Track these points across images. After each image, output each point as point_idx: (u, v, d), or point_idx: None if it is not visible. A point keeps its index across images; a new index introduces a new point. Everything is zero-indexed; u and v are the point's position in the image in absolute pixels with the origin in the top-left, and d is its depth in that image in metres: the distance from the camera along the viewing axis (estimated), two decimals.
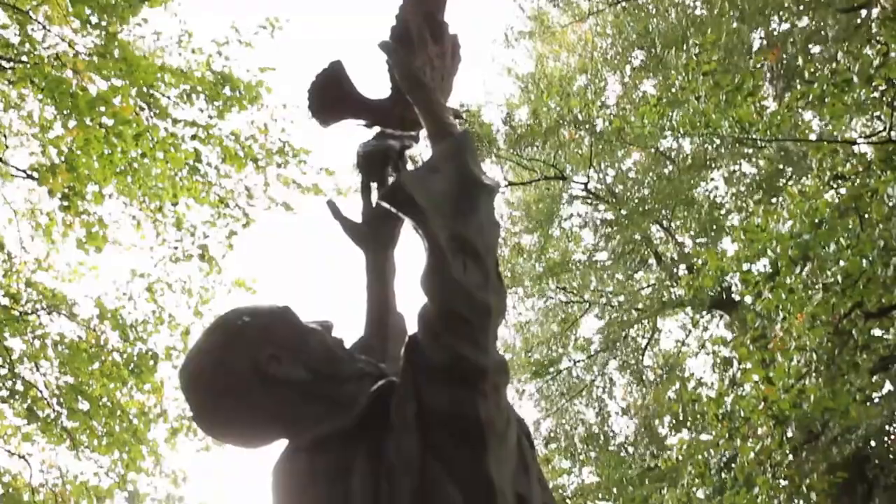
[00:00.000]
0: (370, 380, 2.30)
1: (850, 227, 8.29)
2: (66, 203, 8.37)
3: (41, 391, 9.28)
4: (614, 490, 12.17)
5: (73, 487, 9.21)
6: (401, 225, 2.69)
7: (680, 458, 9.96)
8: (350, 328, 2.61)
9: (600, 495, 13.00)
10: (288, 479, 2.24)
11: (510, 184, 14.94)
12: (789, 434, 8.22)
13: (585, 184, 15.09)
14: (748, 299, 9.55)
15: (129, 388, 9.27)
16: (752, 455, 8.12)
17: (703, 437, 11.55)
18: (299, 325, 2.38)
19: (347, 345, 2.49)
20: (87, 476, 9.37)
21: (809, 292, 8.16)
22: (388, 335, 2.67)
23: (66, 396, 9.21)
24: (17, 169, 9.28)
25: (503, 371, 2.14)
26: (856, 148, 9.20)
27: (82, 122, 8.34)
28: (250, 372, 2.23)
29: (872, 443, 9.58)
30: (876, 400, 9.08)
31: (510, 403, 2.24)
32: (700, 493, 9.18)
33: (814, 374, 8.21)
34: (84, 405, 9.03)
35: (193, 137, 9.54)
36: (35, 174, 8.68)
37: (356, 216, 2.80)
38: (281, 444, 2.33)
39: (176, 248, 10.19)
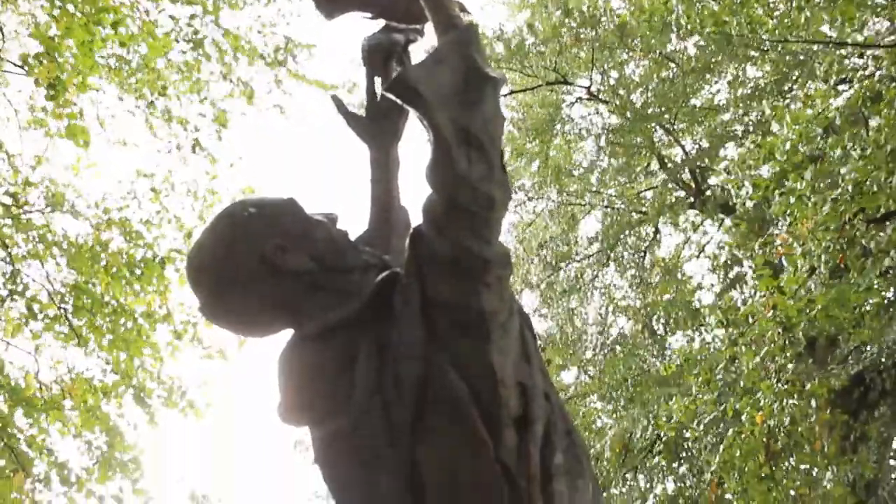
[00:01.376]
0: (375, 271, 2.33)
1: (857, 132, 8.25)
2: (52, 92, 8.32)
3: (45, 289, 9.35)
4: (613, 392, 12.34)
5: (78, 383, 9.35)
6: (405, 119, 2.69)
7: (681, 362, 10.09)
8: (355, 223, 2.63)
9: (598, 396, 13.18)
10: (294, 368, 2.29)
11: (511, 92, 14.82)
12: (795, 339, 8.27)
13: (588, 87, 14.96)
14: (750, 204, 9.52)
15: (134, 289, 9.34)
16: (756, 359, 8.19)
17: (705, 338, 11.70)
18: (305, 217, 2.40)
19: (352, 238, 2.52)
20: (94, 373, 9.53)
21: (816, 198, 8.14)
22: (393, 229, 2.68)
23: (69, 295, 9.30)
24: (12, 63, 9.22)
25: (506, 263, 2.16)
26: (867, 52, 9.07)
27: (65, 9, 8.29)
28: (256, 262, 2.26)
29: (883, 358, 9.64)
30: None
31: (513, 294, 2.27)
32: (706, 398, 9.30)
33: (820, 280, 8.25)
34: (88, 303, 9.12)
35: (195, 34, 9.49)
36: (25, 66, 8.62)
37: (361, 111, 2.79)
38: (286, 335, 2.37)
39: (170, 142, 10.19)
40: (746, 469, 8.27)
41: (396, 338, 2.16)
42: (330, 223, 2.43)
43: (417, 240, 2.15)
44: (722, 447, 8.44)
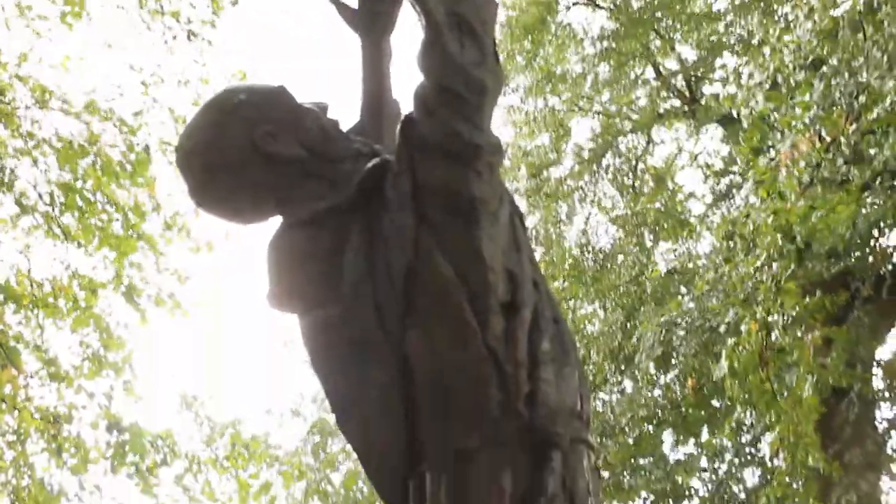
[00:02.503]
0: (365, 159, 2.33)
1: (854, 42, 8.17)
2: None
3: (34, 187, 9.31)
4: (599, 299, 12.42)
5: (70, 282, 9.38)
6: (398, 8, 2.65)
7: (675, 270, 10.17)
8: (347, 114, 2.62)
9: (585, 302, 13.26)
10: (284, 254, 2.30)
11: None
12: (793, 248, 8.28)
13: None
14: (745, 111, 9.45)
15: (123, 184, 9.29)
16: (757, 264, 8.20)
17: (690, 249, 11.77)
18: (295, 105, 2.39)
19: (343, 128, 2.51)
20: (85, 270, 9.54)
21: (814, 108, 8.10)
22: (384, 119, 2.67)
23: (60, 193, 9.25)
24: None
25: (497, 151, 2.17)
26: None
27: None
28: (246, 148, 2.26)
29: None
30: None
31: (503, 183, 2.28)
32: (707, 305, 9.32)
33: (819, 189, 8.24)
34: (78, 202, 9.09)
35: None
36: None
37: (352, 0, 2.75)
38: (275, 222, 2.38)
39: (164, 33, 10.04)
40: (748, 379, 8.36)
41: (387, 225, 2.17)
42: (320, 112, 2.42)
43: (408, 126, 2.15)
44: (724, 358, 8.50)
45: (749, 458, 14.40)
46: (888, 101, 7.56)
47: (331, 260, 2.19)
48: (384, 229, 2.17)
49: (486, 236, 2.09)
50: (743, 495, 14.68)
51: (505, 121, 15.25)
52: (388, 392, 2.16)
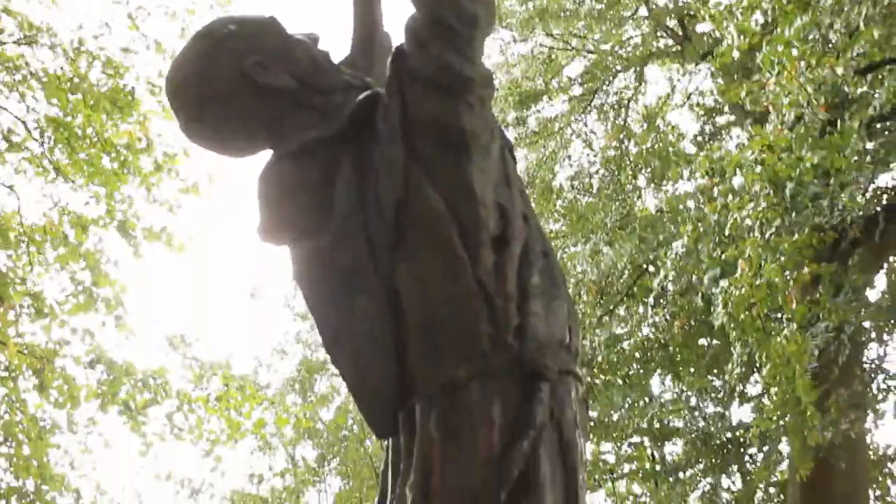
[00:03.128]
0: (356, 91, 2.32)
1: None
2: None
3: (23, 123, 9.24)
4: (585, 237, 12.39)
5: (60, 218, 9.35)
6: None
7: (664, 209, 10.14)
8: (337, 47, 2.60)
9: (571, 241, 13.23)
10: (273, 185, 2.30)
11: None
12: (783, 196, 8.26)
13: None
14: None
15: (114, 119, 9.23)
16: (743, 213, 8.20)
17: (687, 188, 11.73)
18: (285, 36, 2.37)
19: (334, 60, 2.49)
20: (76, 206, 9.52)
21: (803, 47, 8.04)
22: (375, 53, 2.66)
23: (49, 129, 9.19)
24: None
25: (488, 84, 2.16)
26: None
27: None
28: (236, 79, 2.24)
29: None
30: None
31: (494, 117, 2.27)
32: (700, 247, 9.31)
33: (808, 135, 8.20)
34: (68, 136, 9.03)
35: None
36: None
37: None
38: (266, 155, 2.37)
39: None
40: (742, 319, 8.40)
41: (378, 157, 2.17)
42: (311, 43, 2.40)
43: (399, 58, 2.14)
44: (720, 299, 8.53)
45: (740, 396, 14.58)
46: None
47: (321, 191, 2.19)
48: (374, 161, 2.17)
49: (476, 170, 2.09)
50: (728, 434, 14.90)
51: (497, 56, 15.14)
52: (378, 323, 2.17)
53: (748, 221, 8.21)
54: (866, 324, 14.44)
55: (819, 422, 8.47)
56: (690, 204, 10.04)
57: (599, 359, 11.83)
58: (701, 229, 8.97)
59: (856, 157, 8.24)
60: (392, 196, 2.12)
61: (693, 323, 10.91)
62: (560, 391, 2.13)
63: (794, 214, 8.49)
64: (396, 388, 2.18)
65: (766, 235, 8.12)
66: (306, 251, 2.26)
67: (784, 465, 15.70)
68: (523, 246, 2.16)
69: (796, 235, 8.12)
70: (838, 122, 8.28)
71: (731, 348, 9.35)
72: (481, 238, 2.09)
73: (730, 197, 8.46)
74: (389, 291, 2.18)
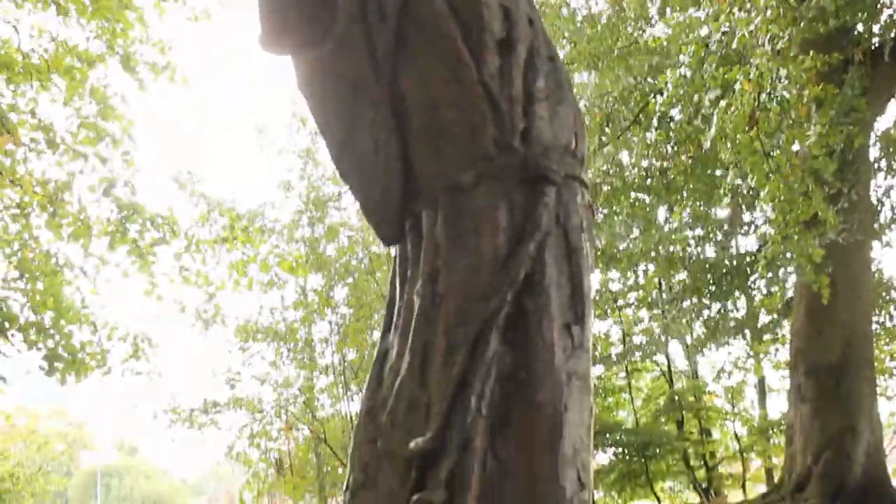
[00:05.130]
0: None
1: None
2: None
3: None
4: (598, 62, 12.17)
5: (62, 53, 9.20)
6: None
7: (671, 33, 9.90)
8: None
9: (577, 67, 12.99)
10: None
11: None
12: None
13: None
14: None
15: None
16: (750, 27, 8.02)
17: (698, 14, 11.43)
18: None
19: None
20: (77, 41, 9.34)
21: None
22: None
23: None
24: None
25: None
26: None
27: None
28: None
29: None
30: None
31: None
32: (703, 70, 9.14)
33: None
34: None
35: None
36: None
37: None
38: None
39: None
40: (738, 141, 8.36)
41: None
42: None
43: None
44: (715, 118, 8.47)
45: (746, 228, 14.68)
46: None
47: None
48: None
49: None
50: (734, 262, 15.06)
51: None
52: (383, 133, 2.17)
53: (758, 37, 8.04)
54: (874, 153, 14.41)
55: (831, 224, 8.52)
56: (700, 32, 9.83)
57: (605, 188, 11.84)
58: (704, 52, 8.82)
59: None
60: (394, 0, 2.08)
61: (697, 151, 10.85)
62: (566, 196, 2.13)
63: (801, 24, 8.32)
64: (401, 194, 2.20)
65: (777, 46, 7.97)
66: (311, 63, 2.23)
67: (790, 293, 15.98)
68: (529, 49, 2.13)
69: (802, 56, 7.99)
70: None
71: (726, 170, 9.35)
72: (485, 40, 2.06)
73: (736, 12, 8.27)
74: (394, 100, 2.16)
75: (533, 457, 1.91)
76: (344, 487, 2.27)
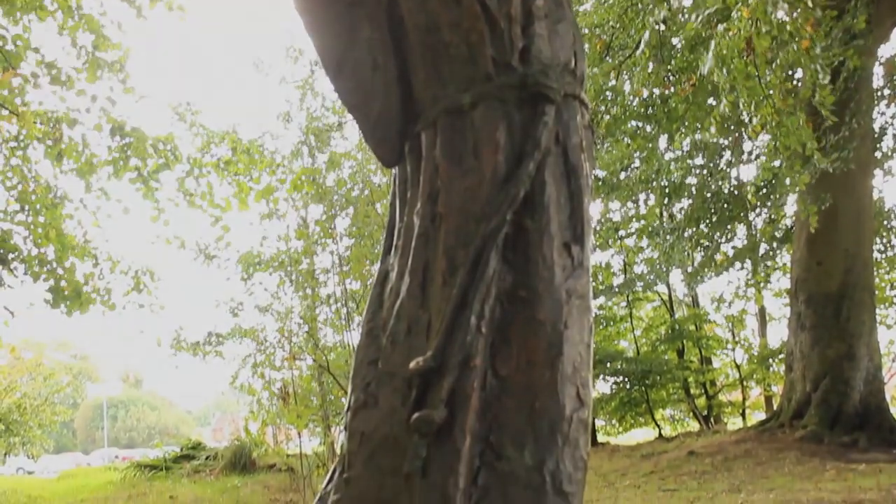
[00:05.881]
0: None
1: None
2: None
3: None
4: None
5: None
6: None
7: None
8: None
9: None
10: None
11: None
12: None
13: None
14: None
15: None
16: None
17: None
18: None
19: None
20: None
21: None
22: None
23: None
24: None
25: None
26: None
27: None
28: None
29: None
30: None
31: None
32: None
33: None
34: None
35: None
36: None
37: None
38: None
39: None
40: (734, 67, 8.32)
41: None
42: None
43: None
44: (712, 44, 8.41)
45: (747, 156, 14.63)
46: None
47: None
48: None
49: None
50: (735, 191, 15.04)
51: None
52: (381, 52, 2.15)
53: None
54: (877, 81, 14.28)
55: (819, 157, 8.50)
56: None
57: (606, 117, 11.79)
58: None
59: None
60: None
61: (697, 79, 10.78)
62: (565, 115, 2.12)
63: None
64: (401, 115, 2.19)
65: None
66: None
67: (789, 222, 15.99)
68: None
69: None
70: None
71: (721, 97, 9.31)
72: None
73: None
74: (392, 19, 2.14)
75: (533, 374, 1.93)
76: (345, 408, 2.29)
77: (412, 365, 1.97)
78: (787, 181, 10.70)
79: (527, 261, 2.00)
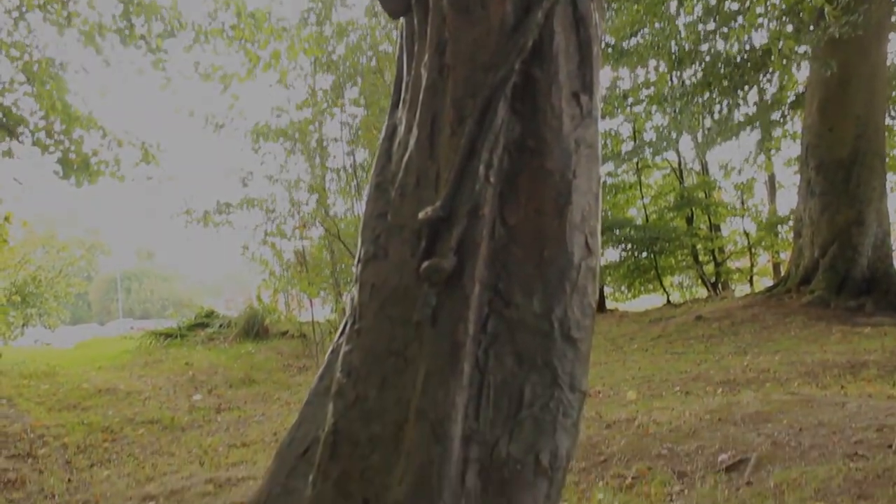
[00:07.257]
0: None
1: None
2: None
3: None
4: None
5: None
6: None
7: None
8: None
9: None
10: None
11: None
12: None
13: None
14: None
15: None
16: None
17: None
18: None
19: None
20: None
21: None
22: None
23: None
24: None
25: None
26: None
27: None
28: None
29: None
30: None
31: None
32: None
33: None
34: None
35: None
36: None
37: None
38: None
39: None
40: None
41: None
42: None
43: None
44: None
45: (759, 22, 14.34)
46: None
47: None
48: None
49: None
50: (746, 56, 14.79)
51: None
52: None
53: None
54: None
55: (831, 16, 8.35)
56: None
57: None
58: None
59: None
60: None
61: None
62: None
63: None
64: None
65: None
66: None
67: (801, 89, 15.78)
68: None
69: None
70: None
71: None
72: None
73: None
74: None
75: (541, 222, 1.94)
76: (356, 261, 2.32)
77: (421, 215, 1.98)
78: (781, 44, 10.54)
79: (535, 110, 1.99)
